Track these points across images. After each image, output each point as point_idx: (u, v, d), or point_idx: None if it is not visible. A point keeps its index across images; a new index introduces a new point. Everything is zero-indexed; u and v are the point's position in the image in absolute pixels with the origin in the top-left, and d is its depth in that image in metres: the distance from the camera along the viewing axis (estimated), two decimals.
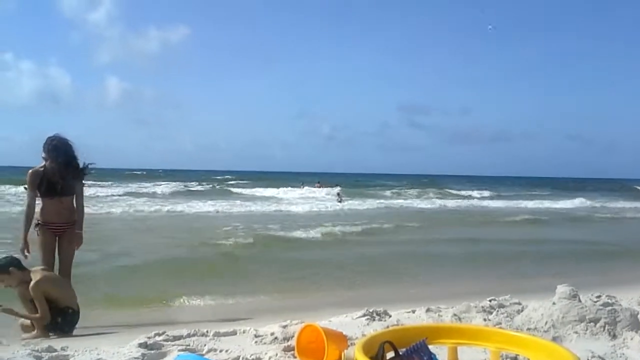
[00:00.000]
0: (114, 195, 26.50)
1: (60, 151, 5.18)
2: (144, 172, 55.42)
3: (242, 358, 2.94)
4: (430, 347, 2.19)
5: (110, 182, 34.06)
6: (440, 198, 33.23)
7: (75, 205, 5.31)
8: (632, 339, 3.41)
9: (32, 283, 4.77)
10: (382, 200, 28.87)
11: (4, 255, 5.11)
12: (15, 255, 5.02)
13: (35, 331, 4.78)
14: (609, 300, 3.95)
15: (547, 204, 29.80)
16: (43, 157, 5.17)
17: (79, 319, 4.96)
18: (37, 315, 4.77)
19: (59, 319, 4.83)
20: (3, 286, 4.87)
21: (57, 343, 3.63)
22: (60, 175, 5.13)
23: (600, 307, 3.66)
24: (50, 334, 4.75)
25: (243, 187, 37.06)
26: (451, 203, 28.54)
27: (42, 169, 5.16)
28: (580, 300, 3.78)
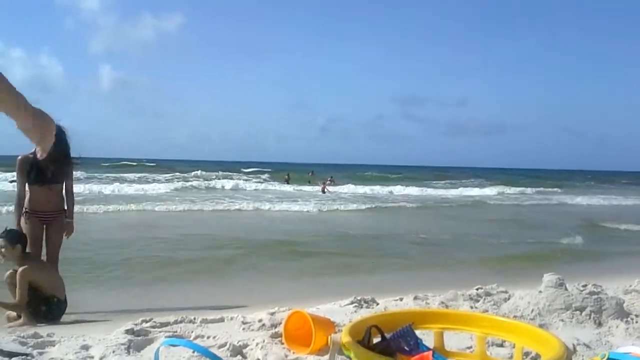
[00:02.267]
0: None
1: (55, 139, 5.12)
2: (134, 163, 54.99)
3: (230, 344, 2.93)
4: (416, 332, 2.20)
5: (104, 174, 33.69)
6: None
7: (64, 193, 5.27)
8: (617, 327, 3.44)
9: (20, 269, 4.74)
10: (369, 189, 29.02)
11: (16, 229, 5.04)
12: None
13: (22, 319, 4.75)
14: (595, 289, 3.98)
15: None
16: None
17: (66, 308, 4.93)
18: (15, 302, 4.74)
19: (43, 307, 4.81)
20: (1, 258, 4.83)
21: (44, 330, 3.61)
22: (52, 162, 5.06)
23: (587, 296, 3.70)
24: (38, 323, 4.68)
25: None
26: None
27: (31, 155, 5.09)
28: (566, 289, 3.81)
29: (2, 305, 4.83)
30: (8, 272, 4.92)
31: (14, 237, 4.87)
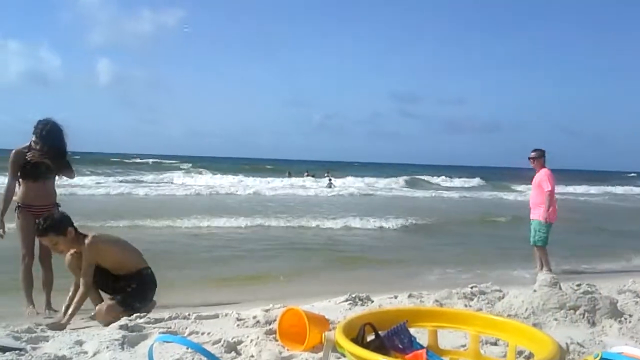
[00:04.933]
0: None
1: (54, 137, 5.09)
2: (128, 157, 54.85)
3: (224, 341, 2.93)
4: (410, 330, 2.20)
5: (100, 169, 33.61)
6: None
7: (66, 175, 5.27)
8: (610, 326, 3.45)
9: (87, 241, 4.23)
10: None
11: (53, 214, 4.53)
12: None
13: (106, 307, 4.15)
14: (589, 289, 3.99)
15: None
16: (33, 141, 5.06)
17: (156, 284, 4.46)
18: (80, 291, 4.15)
19: (134, 284, 4.30)
20: (56, 251, 4.37)
21: (37, 324, 3.60)
22: (47, 159, 5.05)
23: (581, 295, 3.71)
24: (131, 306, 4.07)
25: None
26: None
27: (26, 149, 5.07)
28: (560, 288, 3.82)
29: (74, 313, 4.10)
30: (68, 256, 4.38)
31: (60, 222, 4.32)
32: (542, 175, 7.65)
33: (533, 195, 7.83)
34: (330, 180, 28.53)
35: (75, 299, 4.17)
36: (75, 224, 4.36)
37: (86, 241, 4.26)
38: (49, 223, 4.26)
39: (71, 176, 5.42)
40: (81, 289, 4.15)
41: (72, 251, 4.34)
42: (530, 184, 8.01)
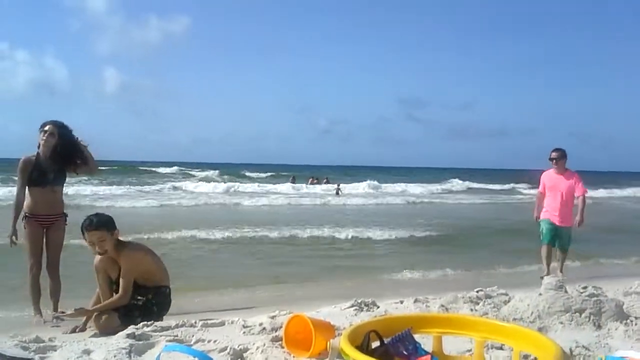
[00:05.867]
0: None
1: (62, 126, 5.13)
2: (134, 164, 55.02)
3: (230, 348, 2.95)
4: (415, 336, 2.21)
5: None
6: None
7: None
8: (616, 329, 3.45)
9: (126, 252, 4.28)
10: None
11: (102, 213, 4.47)
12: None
13: (104, 319, 4.19)
14: (595, 291, 3.98)
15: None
16: (45, 132, 5.04)
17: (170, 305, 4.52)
18: (118, 295, 4.22)
19: (150, 295, 4.33)
20: (101, 249, 4.26)
21: (45, 333, 3.63)
22: (55, 161, 5.05)
23: (586, 298, 3.70)
24: (135, 320, 3.91)
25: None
26: None
27: (34, 157, 5.10)
28: (566, 291, 3.81)
29: (101, 309, 4.22)
30: (99, 257, 4.33)
31: (111, 220, 4.33)
32: (572, 178, 7.31)
33: (556, 201, 7.34)
34: (338, 187, 28.48)
35: (110, 300, 4.24)
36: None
37: (125, 250, 4.31)
38: (103, 219, 4.31)
39: (92, 169, 5.36)
40: (120, 294, 4.22)
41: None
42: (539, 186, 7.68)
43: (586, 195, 7.43)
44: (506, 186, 35.20)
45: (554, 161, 7.37)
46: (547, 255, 7.40)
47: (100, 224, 4.26)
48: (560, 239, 7.36)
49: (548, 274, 6.94)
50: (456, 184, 39.15)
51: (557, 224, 7.32)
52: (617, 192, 34.52)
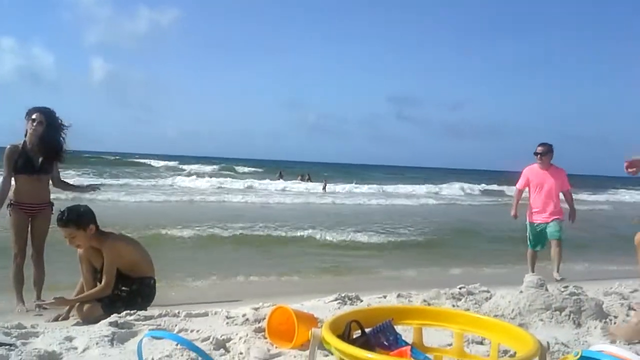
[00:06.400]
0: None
1: (54, 122, 5.13)
2: (117, 157, 54.54)
3: (213, 338, 2.96)
4: (396, 327, 2.24)
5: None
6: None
7: (52, 185, 5.27)
8: (595, 327, 3.50)
9: (107, 243, 4.25)
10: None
11: (82, 204, 4.42)
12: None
13: (86, 308, 4.19)
14: (576, 290, 4.05)
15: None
16: (33, 121, 5.02)
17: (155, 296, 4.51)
18: (100, 286, 4.21)
19: (134, 286, 4.32)
20: (72, 244, 4.28)
21: (27, 320, 3.62)
22: (42, 149, 5.04)
23: (567, 297, 3.75)
24: (119, 310, 3.79)
25: None
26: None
27: (20, 145, 5.07)
28: (547, 290, 3.87)
29: (82, 299, 4.22)
30: (83, 249, 4.33)
31: (83, 216, 4.26)
32: (558, 174, 7.18)
33: (541, 196, 7.17)
34: (325, 184, 28.71)
35: (92, 290, 4.24)
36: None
37: (108, 240, 4.28)
38: (71, 215, 4.23)
39: (55, 176, 5.31)
40: (102, 286, 4.22)
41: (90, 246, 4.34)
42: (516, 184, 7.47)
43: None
44: (503, 187, 34.69)
45: (539, 156, 7.19)
46: (532, 259, 7.35)
47: (69, 221, 4.21)
48: (549, 231, 7.08)
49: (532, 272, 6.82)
50: (450, 185, 38.19)
51: (545, 221, 7.13)
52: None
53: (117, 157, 53.12)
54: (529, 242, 7.38)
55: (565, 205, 7.33)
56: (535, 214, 7.27)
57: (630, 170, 3.48)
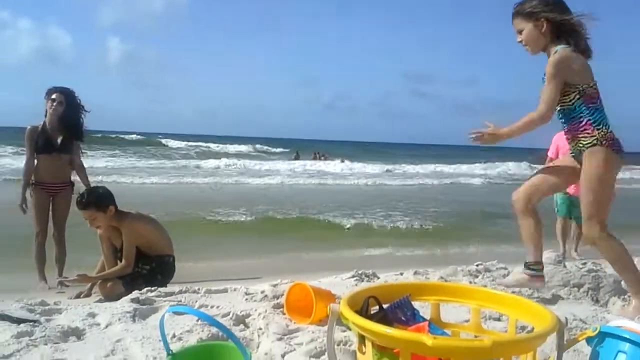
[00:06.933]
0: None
1: (73, 102, 5.17)
2: (141, 136, 54.71)
3: (232, 314, 3.00)
4: (414, 303, 2.25)
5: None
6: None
7: (75, 168, 5.31)
8: (614, 304, 3.49)
9: (127, 222, 4.36)
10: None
11: (100, 185, 4.57)
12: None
13: (109, 286, 4.30)
14: (594, 267, 4.03)
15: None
16: (53, 101, 5.06)
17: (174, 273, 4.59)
18: (121, 265, 4.32)
19: (154, 264, 4.42)
20: (93, 225, 4.40)
21: (50, 298, 3.69)
22: (62, 128, 5.09)
23: (585, 273, 3.74)
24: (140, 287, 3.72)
25: None
26: None
27: (40, 125, 5.13)
28: (565, 266, 3.85)
29: (104, 277, 4.34)
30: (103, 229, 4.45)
31: (102, 198, 4.37)
32: None
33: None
34: (342, 162, 28.89)
35: (113, 269, 4.35)
36: None
37: (127, 220, 4.37)
38: (91, 198, 4.36)
39: (77, 159, 5.37)
40: (122, 264, 4.33)
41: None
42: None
43: None
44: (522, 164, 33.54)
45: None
46: (563, 229, 6.82)
47: (89, 203, 4.32)
48: (577, 209, 6.05)
49: (564, 252, 6.56)
50: (470, 165, 36.62)
51: (572, 193, 6.34)
52: None
53: (140, 136, 53.07)
54: (557, 210, 6.83)
55: None
56: None
57: (475, 142, 3.25)
